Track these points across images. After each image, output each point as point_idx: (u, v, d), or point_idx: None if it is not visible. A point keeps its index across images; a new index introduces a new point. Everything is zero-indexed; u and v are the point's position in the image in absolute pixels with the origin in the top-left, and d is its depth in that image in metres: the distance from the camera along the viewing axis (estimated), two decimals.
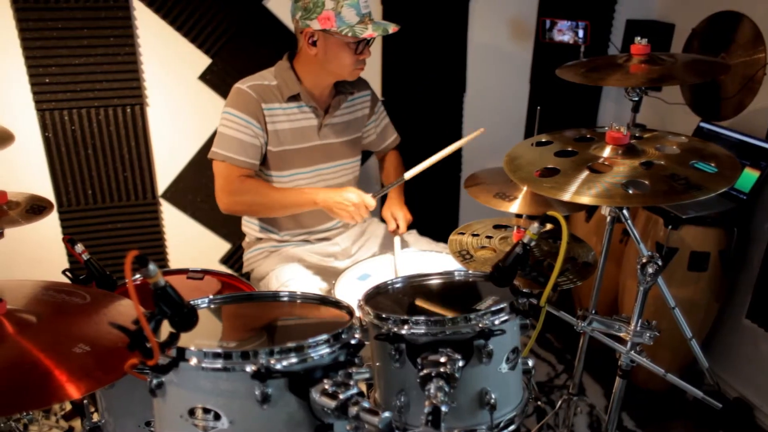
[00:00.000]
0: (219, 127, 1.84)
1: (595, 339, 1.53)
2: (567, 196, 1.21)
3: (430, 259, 1.92)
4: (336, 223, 2.07)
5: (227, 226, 2.59)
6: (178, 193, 2.50)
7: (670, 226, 2.14)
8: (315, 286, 1.86)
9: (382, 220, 2.25)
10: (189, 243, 2.57)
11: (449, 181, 2.85)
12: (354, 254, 2.09)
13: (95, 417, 1.53)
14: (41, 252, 2.42)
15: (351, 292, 1.67)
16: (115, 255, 2.46)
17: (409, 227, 2.23)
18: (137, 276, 1.60)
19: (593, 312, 1.53)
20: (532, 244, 1.14)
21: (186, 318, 0.94)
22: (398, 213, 2.06)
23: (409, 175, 1.86)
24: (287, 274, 1.88)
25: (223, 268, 2.67)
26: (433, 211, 2.72)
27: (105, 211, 2.43)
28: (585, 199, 1.20)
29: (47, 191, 2.34)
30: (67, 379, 0.98)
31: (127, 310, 1.25)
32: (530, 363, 1.20)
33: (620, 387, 1.53)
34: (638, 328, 1.43)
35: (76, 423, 2.19)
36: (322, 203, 1.77)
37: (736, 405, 2.29)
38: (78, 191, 2.37)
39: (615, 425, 1.59)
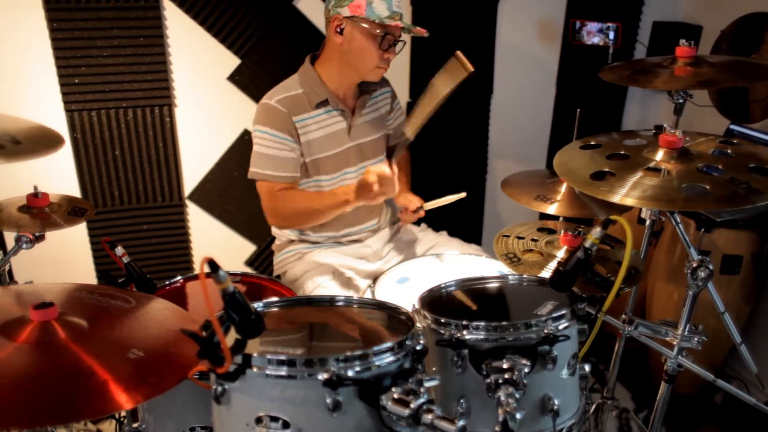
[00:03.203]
0: (254, 146, 1.84)
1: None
2: (621, 200, 1.19)
3: (468, 263, 1.90)
4: (368, 225, 2.06)
5: (253, 228, 2.58)
6: (205, 195, 2.49)
7: (702, 230, 2.12)
8: (350, 289, 1.85)
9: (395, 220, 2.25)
10: (215, 244, 2.56)
11: (475, 184, 2.84)
12: (385, 255, 2.07)
13: (135, 423, 1.52)
14: (67, 254, 2.41)
15: (390, 295, 1.65)
16: (141, 256, 2.45)
17: (439, 228, 2.22)
18: (176, 279, 1.62)
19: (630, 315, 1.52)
20: (594, 248, 1.12)
21: (253, 324, 0.93)
22: (412, 198, 2.07)
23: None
24: (321, 279, 1.87)
25: (249, 270, 2.66)
26: (459, 213, 2.70)
27: (131, 212, 2.42)
28: (641, 203, 1.18)
29: (74, 192, 2.33)
30: (125, 387, 0.96)
31: (172, 314, 1.23)
32: (587, 368, 1.19)
33: (665, 392, 1.51)
34: (686, 333, 1.41)
35: (104, 425, 2.18)
36: (355, 202, 1.70)
37: None
38: (105, 192, 2.36)
39: (658, 430, 1.57)
